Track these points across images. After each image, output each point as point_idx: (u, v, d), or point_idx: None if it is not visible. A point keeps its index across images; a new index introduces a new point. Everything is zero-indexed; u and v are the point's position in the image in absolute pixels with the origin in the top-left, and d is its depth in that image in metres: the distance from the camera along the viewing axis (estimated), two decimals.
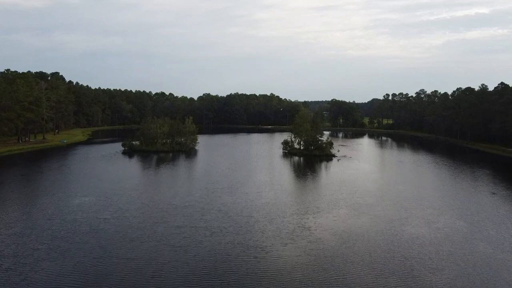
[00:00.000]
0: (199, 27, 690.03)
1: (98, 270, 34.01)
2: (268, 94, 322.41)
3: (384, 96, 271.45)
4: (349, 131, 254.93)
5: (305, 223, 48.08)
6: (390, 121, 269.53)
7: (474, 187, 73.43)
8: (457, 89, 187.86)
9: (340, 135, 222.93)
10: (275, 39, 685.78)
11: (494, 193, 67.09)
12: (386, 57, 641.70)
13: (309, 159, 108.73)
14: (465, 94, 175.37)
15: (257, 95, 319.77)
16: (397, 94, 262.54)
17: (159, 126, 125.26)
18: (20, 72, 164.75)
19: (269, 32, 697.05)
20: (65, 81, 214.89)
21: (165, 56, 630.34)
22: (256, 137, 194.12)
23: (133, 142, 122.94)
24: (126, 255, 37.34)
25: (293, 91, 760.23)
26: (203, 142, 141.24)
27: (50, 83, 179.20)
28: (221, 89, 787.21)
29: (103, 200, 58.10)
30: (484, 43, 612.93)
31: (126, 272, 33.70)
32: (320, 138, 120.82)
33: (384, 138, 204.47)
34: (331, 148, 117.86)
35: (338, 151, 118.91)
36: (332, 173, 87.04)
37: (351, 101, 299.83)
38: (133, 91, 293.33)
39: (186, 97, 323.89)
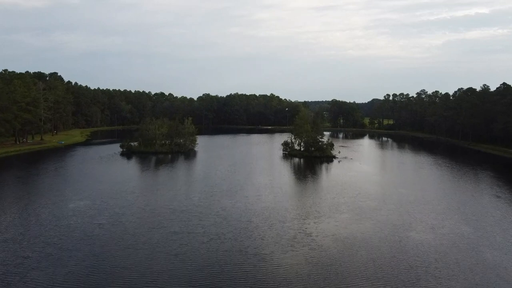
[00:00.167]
0: (199, 27, 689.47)
1: (90, 280, 32.55)
2: (268, 94, 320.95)
3: (384, 97, 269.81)
4: (349, 131, 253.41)
5: (306, 228, 46.63)
6: (391, 122, 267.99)
7: (477, 190, 71.99)
8: (459, 89, 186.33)
9: (341, 135, 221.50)
10: (275, 39, 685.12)
11: (499, 197, 65.65)
12: (386, 57, 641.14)
13: (309, 161, 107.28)
14: (466, 95, 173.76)
15: (257, 95, 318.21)
16: (397, 94, 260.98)
17: (157, 127, 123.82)
18: (18, 73, 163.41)
19: (269, 32, 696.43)
20: (64, 82, 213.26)
21: (165, 56, 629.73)
22: (256, 137, 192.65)
23: (132, 143, 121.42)
24: (120, 264, 35.90)
25: (293, 91, 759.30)
26: (203, 143, 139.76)
27: (48, 83, 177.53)
28: (221, 89, 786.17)
29: (98, 204, 56.64)
30: (484, 43, 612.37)
31: (120, 282, 32.26)
32: (320, 139, 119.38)
33: (384, 138, 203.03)
34: (331, 150, 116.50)
35: (339, 152, 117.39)
36: (333, 175, 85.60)
37: (351, 101, 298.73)
38: (133, 91, 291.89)
39: (185, 97, 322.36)
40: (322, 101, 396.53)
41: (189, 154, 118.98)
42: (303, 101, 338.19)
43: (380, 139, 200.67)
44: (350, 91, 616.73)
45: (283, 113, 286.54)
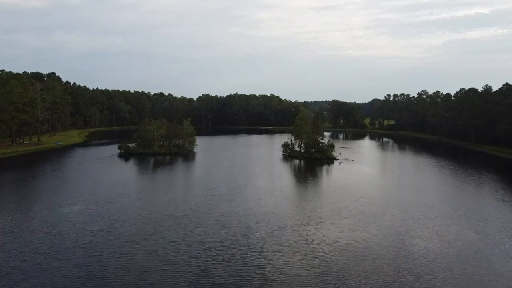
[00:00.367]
0: (199, 27, 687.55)
1: None
2: (268, 95, 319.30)
3: (385, 97, 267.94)
4: (349, 132, 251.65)
5: (307, 235, 44.93)
6: (391, 122, 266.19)
7: (482, 193, 70.31)
8: (460, 89, 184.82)
9: (341, 136, 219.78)
10: (275, 39, 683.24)
11: (504, 201, 63.96)
12: (386, 57, 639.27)
13: (310, 163, 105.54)
14: (468, 95, 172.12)
15: (257, 95, 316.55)
16: (398, 94, 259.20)
17: (156, 128, 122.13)
18: (14, 73, 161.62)
19: (269, 32, 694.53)
20: (62, 82, 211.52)
21: (165, 56, 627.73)
22: (255, 138, 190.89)
23: (130, 145, 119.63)
24: (112, 274, 34.21)
25: (293, 91, 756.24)
26: (202, 144, 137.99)
27: (46, 84, 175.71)
28: (221, 89, 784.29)
29: (93, 209, 54.93)
30: (484, 43, 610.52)
31: None
32: (321, 140, 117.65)
33: (385, 139, 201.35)
34: (332, 151, 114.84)
35: (340, 153, 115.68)
36: (334, 178, 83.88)
37: (351, 101, 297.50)
38: (132, 91, 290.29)
39: (185, 97, 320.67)
40: (322, 101, 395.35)
41: (188, 155, 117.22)
42: (303, 101, 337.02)
43: (381, 140, 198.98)
44: (350, 91, 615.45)
45: (283, 113, 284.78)
